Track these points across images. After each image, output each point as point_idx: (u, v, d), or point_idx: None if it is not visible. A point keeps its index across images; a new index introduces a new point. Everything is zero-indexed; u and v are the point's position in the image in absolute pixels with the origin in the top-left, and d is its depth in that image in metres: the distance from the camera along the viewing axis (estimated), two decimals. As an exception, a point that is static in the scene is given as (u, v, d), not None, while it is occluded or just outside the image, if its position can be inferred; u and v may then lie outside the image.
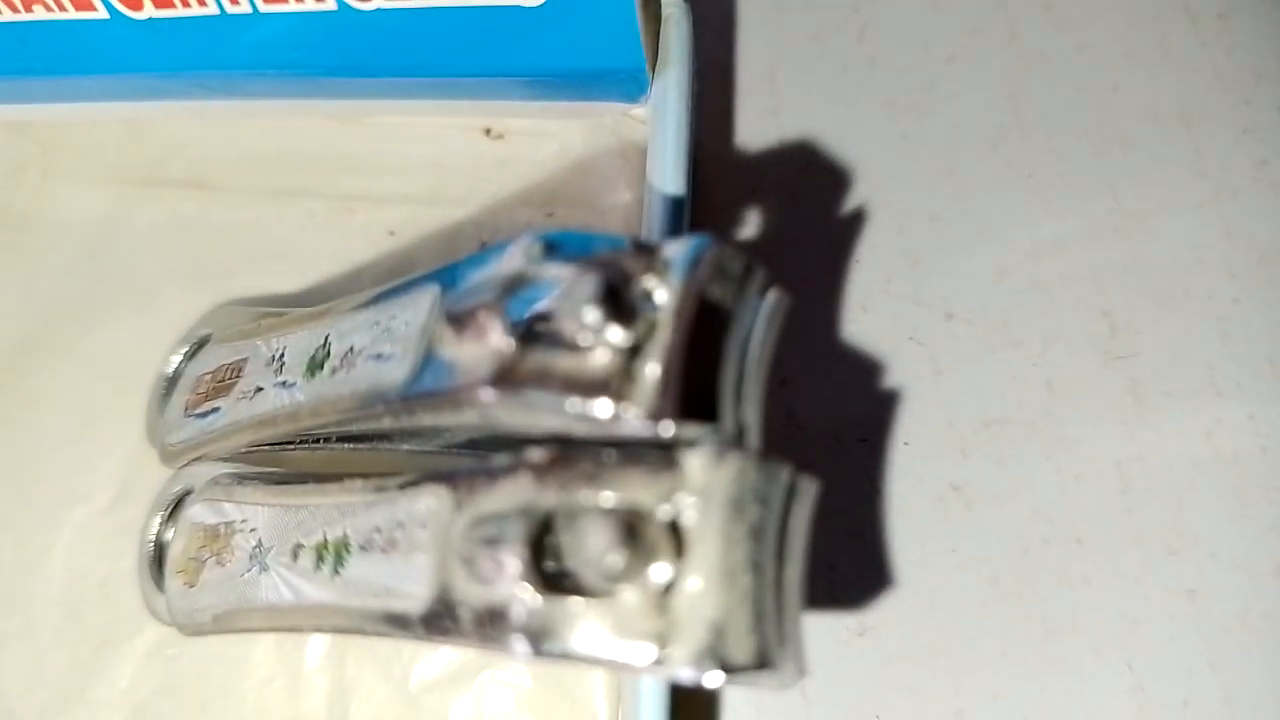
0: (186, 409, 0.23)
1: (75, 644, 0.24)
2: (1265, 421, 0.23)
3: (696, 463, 0.15)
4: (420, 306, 0.18)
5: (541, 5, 0.19)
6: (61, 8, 0.21)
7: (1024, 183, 0.26)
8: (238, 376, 0.21)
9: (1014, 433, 0.24)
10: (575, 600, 0.14)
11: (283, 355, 0.20)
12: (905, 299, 0.25)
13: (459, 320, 0.16)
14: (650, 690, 0.17)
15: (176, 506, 0.24)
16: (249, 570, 0.20)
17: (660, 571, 0.14)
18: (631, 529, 0.14)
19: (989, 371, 0.24)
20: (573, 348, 0.15)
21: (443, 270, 0.18)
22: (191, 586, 0.21)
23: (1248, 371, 0.24)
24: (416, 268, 0.26)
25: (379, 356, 0.18)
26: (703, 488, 0.15)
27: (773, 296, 0.16)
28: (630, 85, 0.22)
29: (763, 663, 0.14)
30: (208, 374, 0.23)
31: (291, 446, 0.21)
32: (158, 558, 0.23)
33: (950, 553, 0.23)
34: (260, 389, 0.20)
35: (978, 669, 0.22)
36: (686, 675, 0.14)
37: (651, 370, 0.15)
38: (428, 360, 0.17)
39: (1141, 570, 0.23)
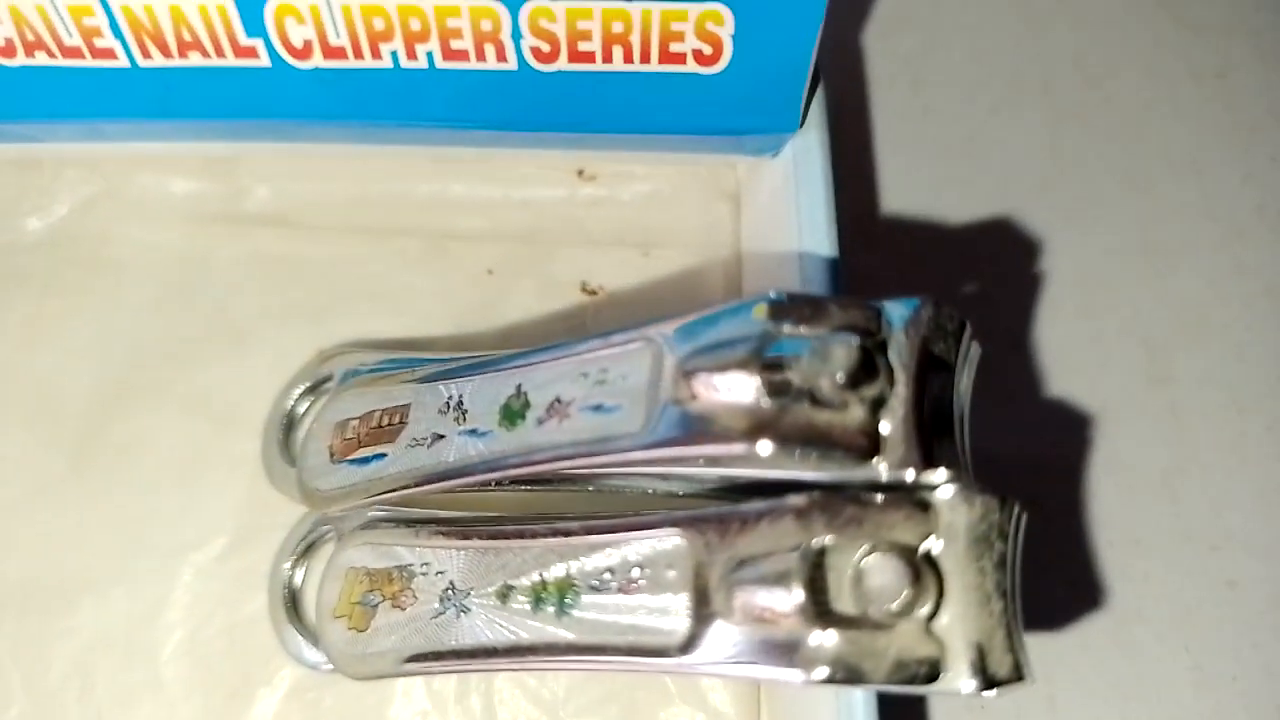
0: (333, 455, 0.23)
1: (206, 693, 0.23)
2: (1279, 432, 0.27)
3: (946, 504, 0.17)
4: (639, 362, 0.19)
5: (719, 73, 0.21)
6: (220, 54, 0.20)
7: (1066, 223, 0.29)
8: (402, 423, 0.22)
9: (1076, 451, 0.27)
10: (859, 632, 0.16)
11: (461, 403, 0.21)
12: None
13: (709, 375, 0.17)
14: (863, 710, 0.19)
15: (308, 549, 0.24)
16: (442, 613, 0.20)
17: (927, 602, 0.16)
18: (915, 568, 0.16)
19: (1052, 396, 0.27)
20: (826, 404, 0.17)
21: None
22: (361, 631, 0.22)
23: (1264, 389, 0.28)
24: (517, 306, 0.27)
25: (599, 408, 0.19)
26: (952, 525, 0.17)
27: (975, 348, 0.18)
28: (765, 144, 0.23)
29: (1019, 675, 0.16)
30: (354, 419, 0.23)
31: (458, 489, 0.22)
32: (293, 601, 0.24)
33: (1033, 561, 0.26)
34: (440, 436, 0.21)
35: (1063, 658, 0.25)
36: (961, 691, 0.16)
37: (898, 424, 0.17)
38: (665, 413, 0.18)
39: (1190, 565, 0.26)
